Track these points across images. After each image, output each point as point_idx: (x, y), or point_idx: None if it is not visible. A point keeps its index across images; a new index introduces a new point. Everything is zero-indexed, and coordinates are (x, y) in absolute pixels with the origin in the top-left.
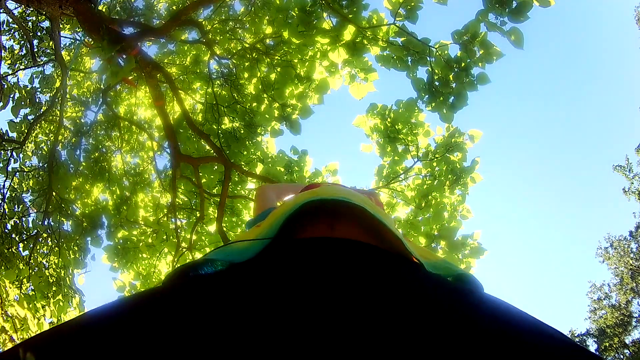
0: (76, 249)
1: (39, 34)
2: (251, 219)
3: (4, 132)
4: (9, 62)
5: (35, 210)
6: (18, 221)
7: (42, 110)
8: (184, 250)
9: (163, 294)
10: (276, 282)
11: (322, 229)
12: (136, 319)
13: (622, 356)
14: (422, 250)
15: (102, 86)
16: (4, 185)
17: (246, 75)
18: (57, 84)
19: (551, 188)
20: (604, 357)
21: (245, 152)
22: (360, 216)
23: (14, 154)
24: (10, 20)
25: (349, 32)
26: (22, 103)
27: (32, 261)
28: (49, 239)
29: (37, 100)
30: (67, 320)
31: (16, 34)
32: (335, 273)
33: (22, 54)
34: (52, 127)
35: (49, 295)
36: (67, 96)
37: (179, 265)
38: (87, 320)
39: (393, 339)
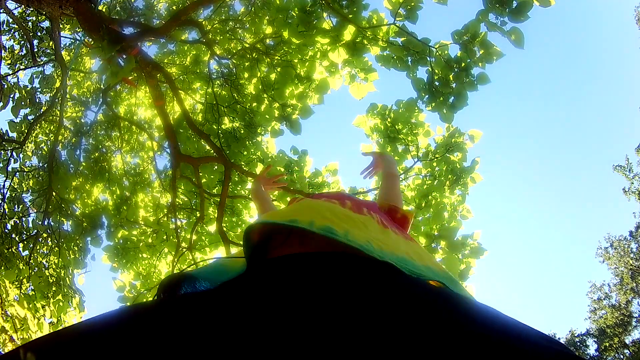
0: (76, 249)
1: (39, 34)
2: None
3: (4, 132)
4: (9, 62)
5: (35, 210)
6: (18, 221)
7: (42, 110)
8: (184, 250)
9: (148, 311)
10: (247, 305)
11: (294, 245)
12: (125, 333)
13: (622, 356)
14: (415, 251)
15: (102, 86)
16: (4, 185)
17: (246, 75)
18: (57, 84)
19: (551, 188)
20: (604, 357)
21: (245, 152)
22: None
23: (14, 154)
24: (10, 20)
25: (349, 32)
26: (22, 103)
27: (32, 261)
28: (49, 239)
29: (37, 100)
30: (63, 327)
31: (16, 34)
32: (305, 287)
33: (22, 54)
34: (52, 127)
35: (49, 295)
36: (67, 96)
37: (176, 270)
38: (82, 330)
39: (372, 341)
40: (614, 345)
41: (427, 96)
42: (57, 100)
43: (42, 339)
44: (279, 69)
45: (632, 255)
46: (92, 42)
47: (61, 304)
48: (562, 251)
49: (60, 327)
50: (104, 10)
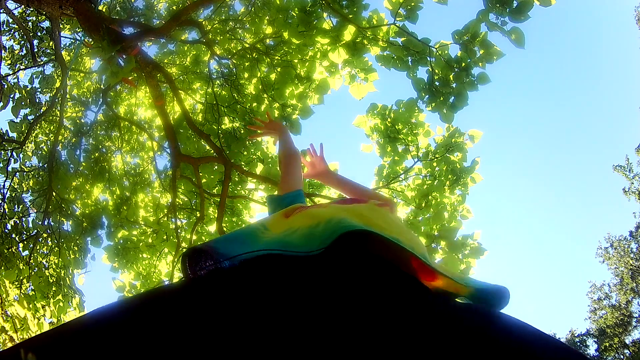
0: (76, 249)
1: (39, 34)
2: (276, 196)
3: (4, 132)
4: (9, 62)
5: (35, 210)
6: (18, 221)
7: (42, 110)
8: (184, 250)
9: (169, 293)
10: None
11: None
12: (138, 320)
13: (622, 356)
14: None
15: (102, 86)
16: (4, 185)
17: (246, 75)
18: (57, 84)
19: (551, 188)
20: (604, 357)
21: (245, 152)
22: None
23: (14, 154)
24: (10, 20)
25: (349, 32)
26: (22, 103)
27: (32, 261)
28: (49, 239)
29: (37, 100)
30: (67, 321)
31: (16, 34)
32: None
33: (22, 54)
34: (52, 127)
35: (49, 295)
36: (67, 96)
37: (176, 270)
38: (86, 321)
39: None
40: (614, 346)
41: (427, 96)
42: (57, 100)
43: (43, 335)
44: (279, 69)
45: (632, 255)
46: (92, 42)
47: (61, 304)
48: (562, 251)
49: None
50: (104, 10)
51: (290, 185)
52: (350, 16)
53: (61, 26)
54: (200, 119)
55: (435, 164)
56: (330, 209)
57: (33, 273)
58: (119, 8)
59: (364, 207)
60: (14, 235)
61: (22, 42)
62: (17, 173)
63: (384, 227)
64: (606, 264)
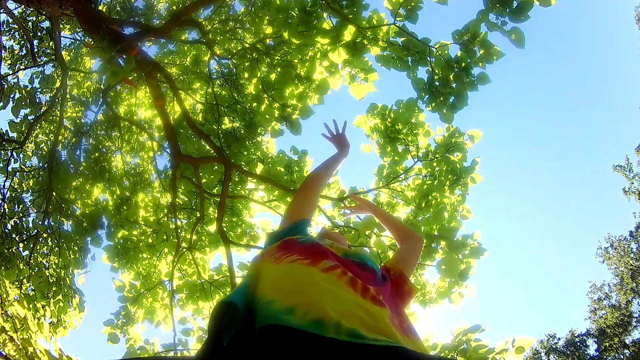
0: (76, 249)
1: (39, 34)
2: (273, 235)
3: (4, 132)
4: (9, 62)
5: (35, 210)
6: (18, 221)
7: (42, 110)
8: (184, 250)
9: None
10: None
11: None
12: None
13: (622, 356)
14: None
15: (102, 86)
16: (4, 185)
17: (246, 75)
18: (57, 84)
19: (551, 188)
20: (604, 357)
21: (245, 152)
22: None
23: (14, 154)
24: (10, 20)
25: (349, 32)
26: (22, 103)
27: (32, 261)
28: (49, 239)
29: (37, 100)
30: None
31: (16, 34)
32: None
33: (22, 54)
34: (52, 127)
35: (49, 295)
36: (67, 96)
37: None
38: None
39: None
40: (614, 346)
41: (427, 96)
42: (57, 100)
43: None
44: (279, 69)
45: (632, 255)
46: (92, 42)
47: (61, 304)
48: (562, 251)
49: (59, 328)
50: (104, 10)
51: (298, 213)
52: (350, 16)
53: (61, 26)
54: (200, 119)
55: (435, 164)
56: (286, 273)
57: (33, 273)
58: (119, 8)
59: (319, 279)
60: (14, 235)
61: (22, 42)
62: (17, 173)
63: (326, 306)
64: (606, 264)
